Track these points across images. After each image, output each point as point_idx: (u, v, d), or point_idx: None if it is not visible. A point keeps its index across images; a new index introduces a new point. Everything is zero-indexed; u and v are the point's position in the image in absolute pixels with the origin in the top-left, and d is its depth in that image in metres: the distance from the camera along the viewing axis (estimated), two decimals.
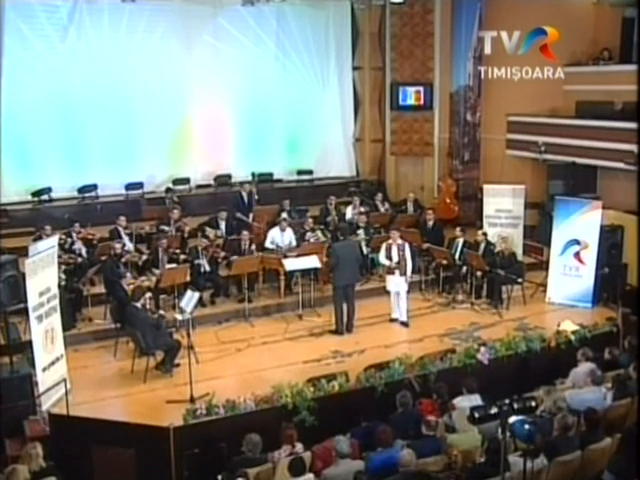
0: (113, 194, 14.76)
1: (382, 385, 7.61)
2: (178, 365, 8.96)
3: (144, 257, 11.37)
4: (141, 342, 8.93)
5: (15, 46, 13.68)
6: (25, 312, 8.24)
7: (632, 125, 11.31)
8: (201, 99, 15.48)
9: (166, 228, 12.37)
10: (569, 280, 11.44)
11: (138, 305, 9.20)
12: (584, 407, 6.57)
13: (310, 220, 12.65)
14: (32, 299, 7.93)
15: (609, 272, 11.19)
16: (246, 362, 9.38)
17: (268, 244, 11.85)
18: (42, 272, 8.12)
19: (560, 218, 11.52)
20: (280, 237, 11.90)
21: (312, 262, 10.93)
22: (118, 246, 11.14)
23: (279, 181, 16.27)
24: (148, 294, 9.48)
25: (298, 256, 11.25)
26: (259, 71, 15.93)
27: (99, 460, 6.72)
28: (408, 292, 10.82)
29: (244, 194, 13.62)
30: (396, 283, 10.64)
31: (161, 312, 9.60)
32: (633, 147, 11.56)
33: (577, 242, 11.37)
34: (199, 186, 15.63)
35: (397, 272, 10.58)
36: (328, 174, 16.90)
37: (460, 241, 11.87)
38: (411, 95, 16.02)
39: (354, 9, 16.48)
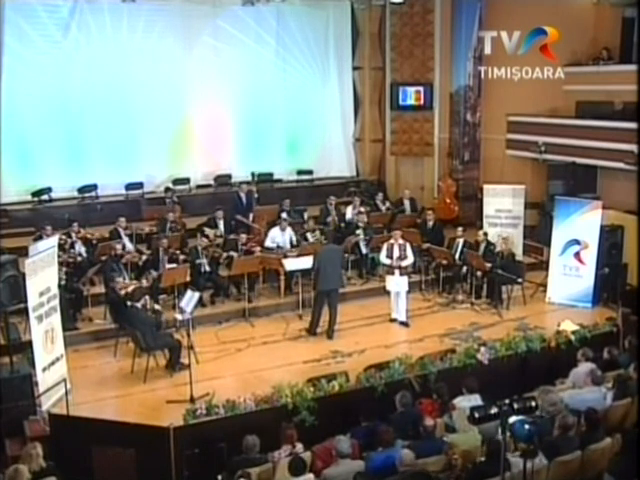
0: (113, 194, 14.76)
1: (382, 385, 7.61)
2: (185, 365, 8.83)
3: (144, 257, 11.36)
4: (141, 342, 8.93)
5: (15, 46, 13.69)
6: (25, 312, 8.23)
7: (632, 125, 11.33)
8: (201, 99, 15.48)
9: (171, 215, 12.49)
10: (569, 280, 11.44)
11: (138, 305, 9.20)
12: (584, 407, 6.57)
13: (311, 222, 12.62)
14: (32, 299, 7.93)
15: (609, 272, 11.18)
16: (246, 362, 9.38)
17: (268, 243, 11.85)
18: (42, 272, 8.12)
19: (560, 218, 11.52)
20: (281, 237, 11.91)
21: (311, 262, 10.92)
22: (118, 247, 11.14)
23: (279, 181, 16.27)
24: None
25: (298, 256, 11.26)
26: (259, 71, 15.94)
27: (99, 460, 6.72)
28: (408, 292, 10.83)
29: (242, 195, 13.60)
30: (396, 283, 10.65)
31: (157, 307, 9.57)
32: (633, 147, 11.58)
33: (577, 242, 11.36)
34: (199, 186, 15.63)
35: (397, 272, 10.59)
36: (328, 174, 16.91)
37: (460, 241, 11.88)
38: (411, 95, 16.03)
39: (354, 9, 16.49)
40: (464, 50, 15.03)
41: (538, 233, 13.07)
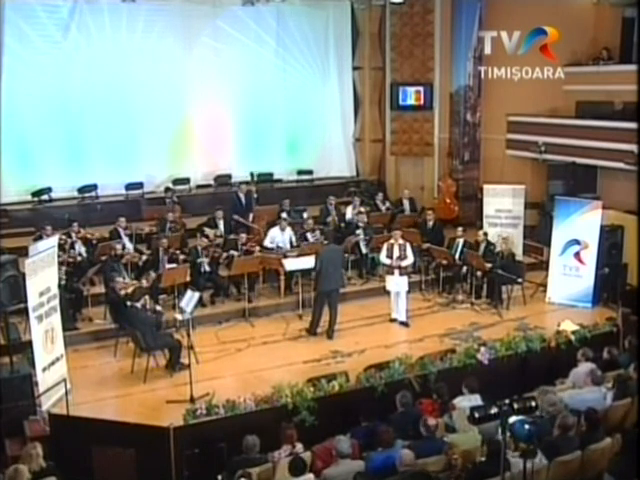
0: (113, 194, 14.76)
1: (382, 385, 7.60)
2: (185, 365, 8.82)
3: (144, 257, 11.37)
4: (141, 342, 8.94)
5: (15, 46, 13.69)
6: (25, 312, 8.24)
7: (632, 125, 11.33)
8: (201, 99, 15.48)
9: (171, 215, 12.51)
10: (569, 280, 11.44)
11: (138, 305, 9.21)
12: (584, 407, 6.57)
13: (310, 221, 12.61)
14: (32, 299, 7.93)
15: (609, 272, 11.18)
16: (246, 362, 9.38)
17: (267, 243, 11.85)
18: (42, 272, 8.12)
19: (560, 218, 11.52)
20: (280, 237, 11.91)
21: (312, 262, 10.91)
22: (118, 247, 11.14)
23: (279, 181, 16.28)
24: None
25: (298, 256, 11.25)
26: (259, 71, 15.94)
27: (99, 460, 6.72)
28: (408, 292, 10.83)
29: (241, 195, 13.58)
30: (396, 283, 10.65)
31: (157, 307, 9.57)
32: (633, 147, 11.58)
33: (577, 242, 11.37)
34: (199, 186, 15.63)
35: (397, 272, 10.59)
36: (328, 174, 16.91)
37: (460, 241, 11.88)
38: (411, 95, 16.03)
39: (354, 9, 16.50)
40: (464, 50, 15.03)
41: (538, 233, 13.07)
